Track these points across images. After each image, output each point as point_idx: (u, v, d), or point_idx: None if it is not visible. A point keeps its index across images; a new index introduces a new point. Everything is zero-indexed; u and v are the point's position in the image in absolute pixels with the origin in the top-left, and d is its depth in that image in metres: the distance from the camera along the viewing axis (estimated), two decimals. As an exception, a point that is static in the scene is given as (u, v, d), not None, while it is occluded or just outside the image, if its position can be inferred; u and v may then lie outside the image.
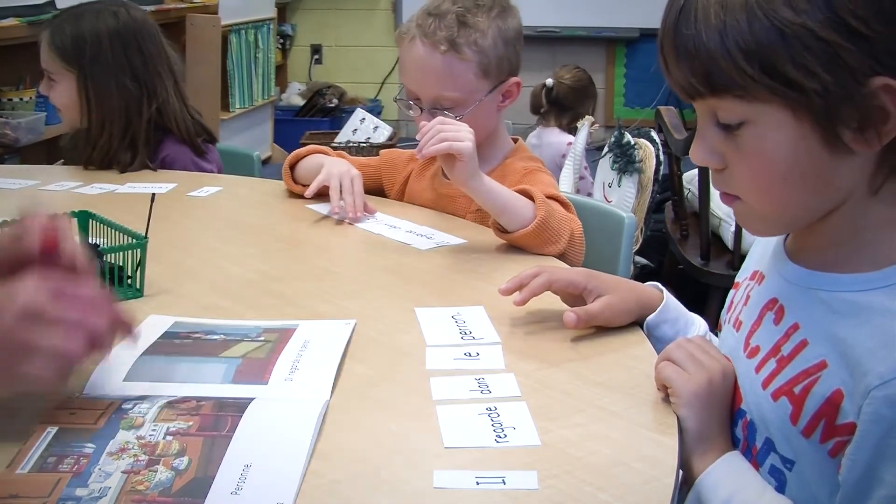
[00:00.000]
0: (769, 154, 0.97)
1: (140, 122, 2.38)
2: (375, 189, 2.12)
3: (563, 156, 4.02)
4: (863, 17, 0.89)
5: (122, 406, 1.05)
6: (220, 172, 2.49)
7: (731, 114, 0.98)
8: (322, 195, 2.00)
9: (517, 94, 1.91)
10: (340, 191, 1.91)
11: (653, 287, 1.36)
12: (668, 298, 1.33)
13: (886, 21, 0.90)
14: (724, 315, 1.25)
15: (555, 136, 4.27)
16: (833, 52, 0.90)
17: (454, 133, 1.58)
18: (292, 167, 2.07)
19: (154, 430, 1.00)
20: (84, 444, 0.97)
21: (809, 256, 1.07)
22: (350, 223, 1.87)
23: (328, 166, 1.98)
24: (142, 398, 1.07)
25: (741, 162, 1.00)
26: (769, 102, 0.94)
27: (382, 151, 2.17)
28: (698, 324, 1.35)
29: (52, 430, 0.99)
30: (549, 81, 4.35)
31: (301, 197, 2.05)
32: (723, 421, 1.11)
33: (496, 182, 1.64)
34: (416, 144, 2.06)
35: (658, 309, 1.32)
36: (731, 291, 1.25)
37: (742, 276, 1.23)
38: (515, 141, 1.98)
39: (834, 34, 0.90)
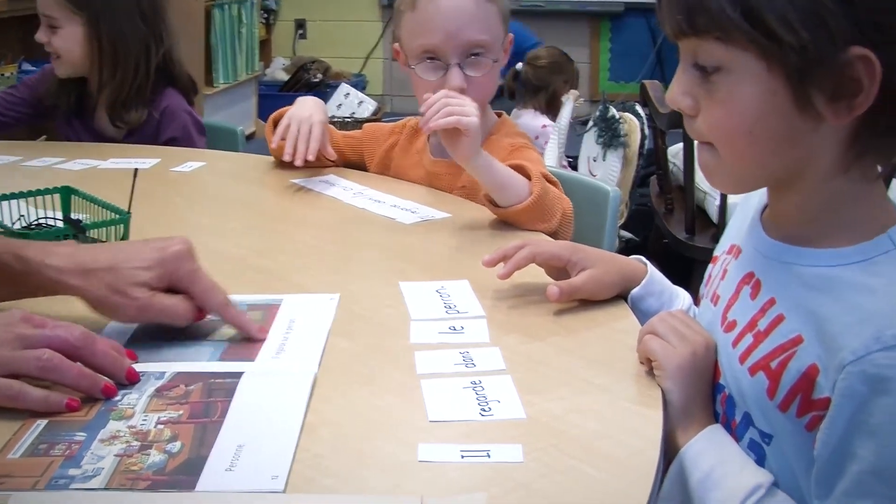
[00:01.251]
0: (738, 104, 0.98)
1: (149, 68, 2.40)
2: (358, 162, 2.12)
3: (537, 137, 4.02)
4: None
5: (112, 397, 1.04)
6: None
7: (709, 56, 0.98)
8: (309, 167, 2.00)
9: (508, 55, 1.89)
10: (297, 137, 1.94)
11: (637, 260, 1.36)
12: (653, 272, 1.33)
13: None
14: (702, 289, 1.25)
15: (529, 119, 4.27)
16: (816, 11, 0.89)
17: (460, 108, 1.57)
18: (276, 122, 2.06)
19: (145, 420, 0.99)
20: (75, 434, 0.96)
21: (784, 230, 1.07)
22: (331, 195, 1.86)
23: (292, 110, 1.99)
24: (129, 389, 1.06)
25: (712, 108, 1.00)
26: (746, 50, 0.94)
27: (365, 125, 2.17)
28: (683, 297, 1.35)
29: (42, 422, 0.98)
30: (519, 66, 4.36)
31: (286, 167, 2.04)
32: (705, 394, 1.12)
33: (494, 158, 1.64)
34: (400, 118, 2.06)
35: (643, 282, 1.32)
36: (710, 266, 1.25)
37: (720, 249, 1.23)
38: (499, 115, 1.98)
39: None
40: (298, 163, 1.94)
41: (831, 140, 0.97)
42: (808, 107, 0.94)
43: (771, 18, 0.91)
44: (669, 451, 1.08)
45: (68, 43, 2.37)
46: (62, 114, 2.54)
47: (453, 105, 1.57)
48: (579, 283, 1.29)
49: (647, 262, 1.35)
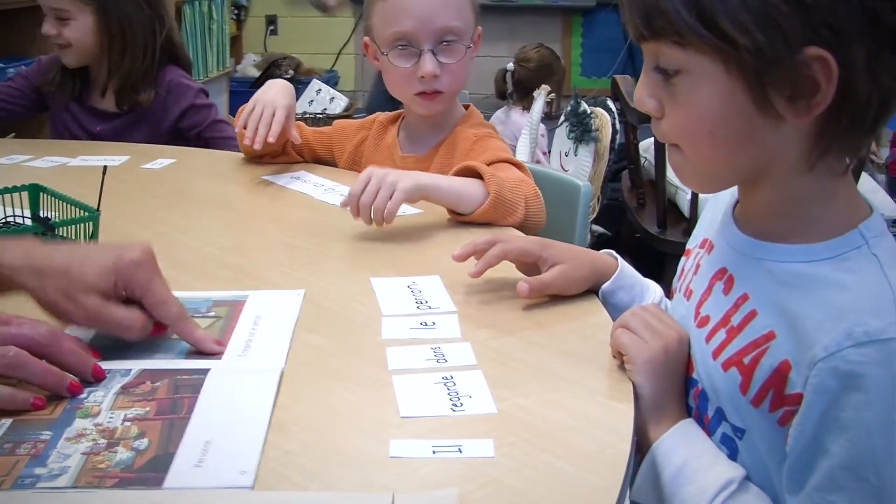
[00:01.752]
0: (699, 106, 0.98)
1: (155, 50, 2.50)
2: (328, 158, 2.12)
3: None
4: None
5: (77, 395, 1.03)
6: None
7: (669, 60, 0.99)
8: (278, 161, 2.00)
9: (478, 48, 1.90)
10: (259, 121, 1.93)
11: (607, 255, 1.36)
12: (623, 266, 1.34)
13: None
14: (675, 283, 1.25)
15: (518, 116, 4.29)
16: (769, 14, 0.90)
17: (381, 202, 1.55)
18: None
19: (111, 417, 0.99)
20: (41, 432, 0.95)
21: (756, 226, 1.07)
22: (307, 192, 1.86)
23: (258, 93, 1.99)
24: (95, 386, 1.05)
25: (674, 110, 1.01)
26: (704, 53, 0.95)
27: (335, 122, 2.16)
28: (654, 290, 1.36)
29: (7, 421, 0.97)
30: (510, 66, 4.36)
31: (256, 162, 2.04)
32: (678, 389, 1.12)
33: (441, 177, 1.64)
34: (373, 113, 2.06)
35: (613, 276, 1.32)
36: (682, 259, 1.25)
37: (692, 243, 1.24)
38: (467, 108, 1.98)
39: None
40: (257, 146, 1.93)
41: (794, 138, 0.98)
42: (768, 107, 0.95)
43: (725, 22, 0.91)
44: (642, 445, 1.09)
45: (79, 33, 2.45)
46: (60, 101, 2.59)
47: (377, 202, 1.56)
48: (549, 279, 1.29)
49: (618, 256, 1.36)
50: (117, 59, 2.48)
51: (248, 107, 1.97)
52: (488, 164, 1.68)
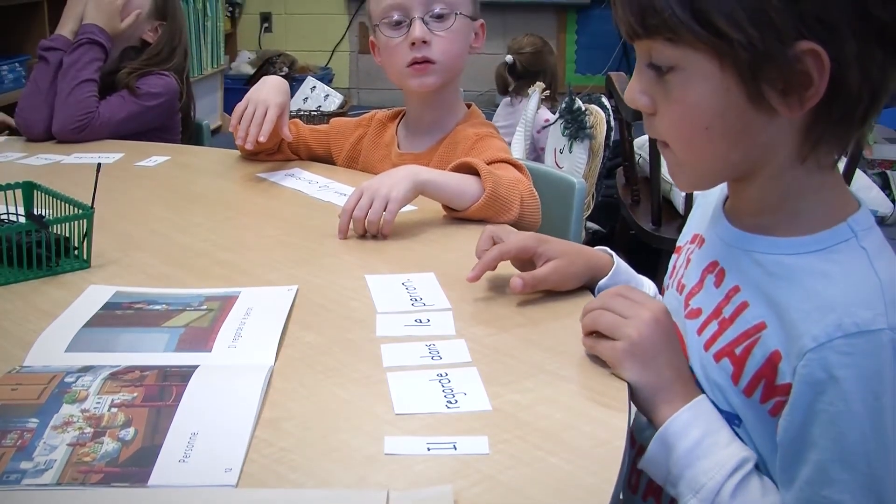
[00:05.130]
0: (693, 102, 0.99)
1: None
2: (325, 156, 2.12)
3: (539, 131, 4.02)
4: None
5: (65, 379, 1.03)
6: None
7: (662, 57, 0.99)
8: (274, 159, 1.99)
9: (482, 41, 1.93)
10: (251, 120, 1.93)
11: (603, 251, 1.36)
12: (619, 262, 1.34)
13: None
14: (666, 280, 1.25)
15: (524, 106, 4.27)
16: (762, 9, 0.90)
17: (374, 214, 1.57)
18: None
19: (98, 402, 0.99)
20: (27, 420, 0.96)
21: (746, 219, 1.08)
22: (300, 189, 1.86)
23: (251, 92, 1.98)
24: (85, 370, 1.05)
25: (668, 107, 1.01)
26: (697, 50, 0.95)
27: (332, 120, 2.17)
28: (647, 285, 1.36)
29: (-7, 405, 0.98)
30: (509, 58, 4.35)
31: (251, 160, 2.04)
32: (680, 362, 1.10)
33: (438, 172, 1.65)
34: (367, 111, 2.06)
35: (609, 273, 1.32)
36: (674, 256, 1.25)
37: (683, 240, 1.24)
38: (469, 106, 1.99)
39: None
40: (249, 146, 1.93)
41: (787, 132, 0.98)
42: (762, 101, 0.95)
43: (719, 18, 0.92)
44: (654, 422, 1.08)
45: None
46: None
47: (372, 214, 1.57)
48: (543, 274, 1.29)
49: (613, 253, 1.36)
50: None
51: (241, 105, 1.97)
52: (488, 164, 1.69)
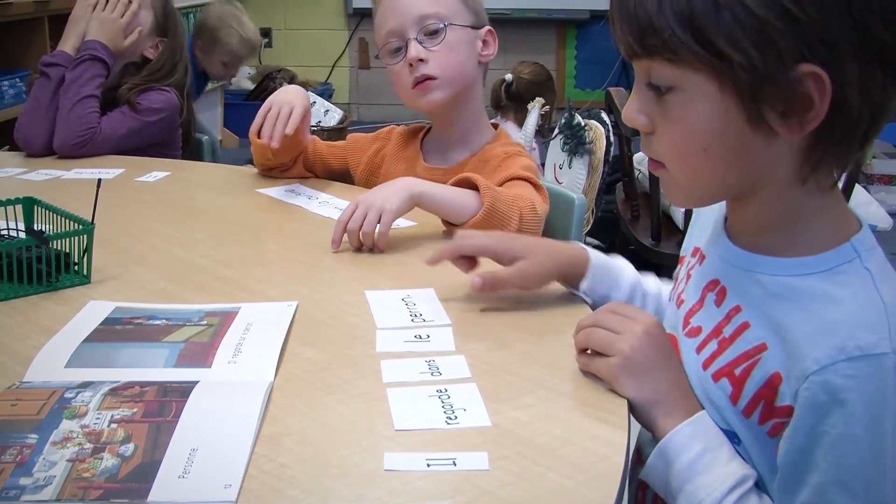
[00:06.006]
0: (692, 123, 0.98)
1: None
2: (342, 172, 2.11)
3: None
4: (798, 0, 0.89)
5: (65, 395, 1.03)
6: None
7: (662, 77, 0.98)
8: (287, 176, 2.00)
9: (494, 47, 1.94)
10: (276, 119, 1.92)
11: (576, 246, 1.35)
12: (594, 259, 1.32)
13: (820, 7, 0.89)
14: (671, 293, 1.25)
15: (511, 129, 4.27)
16: (763, 30, 0.90)
17: (369, 226, 1.58)
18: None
19: (98, 418, 0.99)
20: (27, 435, 0.96)
21: (747, 239, 1.07)
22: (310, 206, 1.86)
23: (273, 95, 1.98)
24: (84, 386, 1.05)
25: (666, 127, 1.01)
26: (698, 70, 0.95)
27: (349, 136, 2.15)
28: (625, 268, 1.35)
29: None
30: (509, 77, 4.36)
31: (266, 176, 2.04)
32: (678, 374, 1.10)
33: (435, 185, 1.65)
34: (368, 125, 2.06)
35: (587, 274, 1.31)
36: (678, 267, 1.25)
37: (686, 251, 1.24)
38: (496, 127, 1.99)
39: (767, 12, 0.89)
40: (275, 143, 1.90)
41: (786, 153, 0.98)
42: (761, 123, 0.95)
43: (720, 39, 0.91)
44: (654, 434, 1.07)
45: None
46: None
47: (366, 226, 1.58)
48: (505, 275, 1.30)
49: (586, 247, 1.35)
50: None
51: (262, 109, 1.95)
52: (508, 180, 1.70)
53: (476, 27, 1.91)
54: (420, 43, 1.84)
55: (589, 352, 1.13)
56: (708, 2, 0.91)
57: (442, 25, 1.84)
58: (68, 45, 2.48)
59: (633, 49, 0.99)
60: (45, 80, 2.43)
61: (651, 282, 1.37)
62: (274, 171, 2.09)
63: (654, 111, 1.01)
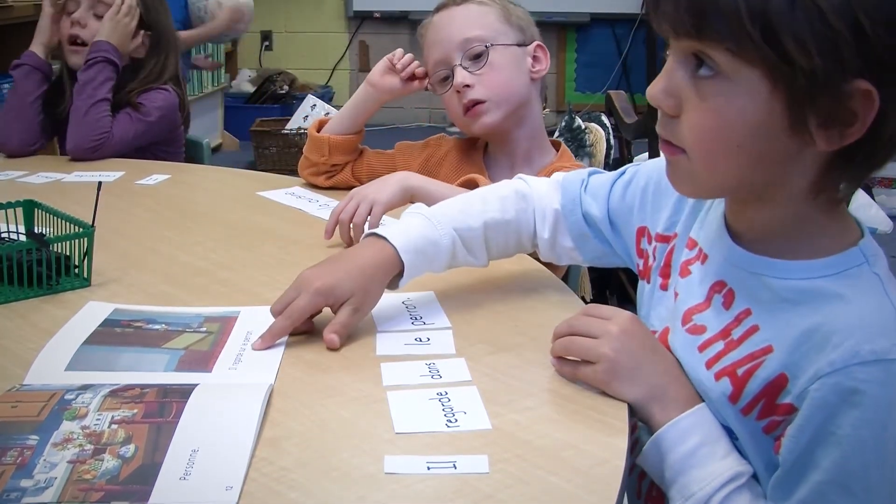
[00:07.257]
0: (730, 117, 0.95)
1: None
2: None
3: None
4: (871, 15, 0.88)
5: (65, 396, 1.03)
6: None
7: (712, 62, 0.95)
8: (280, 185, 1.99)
9: (546, 62, 1.93)
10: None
11: (376, 240, 1.29)
12: (403, 252, 1.27)
13: (889, 28, 0.89)
14: (638, 262, 1.25)
15: None
16: (833, 39, 0.88)
17: (360, 217, 1.59)
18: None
19: (99, 419, 0.99)
20: (27, 437, 0.95)
21: (753, 241, 1.07)
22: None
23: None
24: (84, 387, 1.05)
25: (699, 114, 0.98)
26: (754, 66, 0.92)
27: (397, 143, 2.11)
28: (439, 240, 1.31)
29: (-6, 423, 0.98)
30: None
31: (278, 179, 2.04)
32: (664, 366, 1.10)
33: (433, 182, 1.67)
34: (370, 129, 2.05)
35: (405, 274, 1.28)
36: (643, 240, 1.25)
37: (667, 230, 1.22)
38: (558, 147, 1.97)
39: (840, 22, 0.88)
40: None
41: (810, 165, 0.97)
42: (801, 130, 0.93)
43: (788, 39, 0.89)
44: (652, 428, 1.07)
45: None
46: None
47: (358, 218, 1.60)
48: (345, 320, 1.23)
49: (385, 235, 1.28)
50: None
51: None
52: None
53: (523, 44, 1.89)
54: (465, 69, 1.84)
55: (572, 362, 1.13)
56: (785, 1, 0.89)
57: (485, 47, 1.84)
58: (37, 43, 2.49)
59: (685, 28, 0.95)
60: (16, 80, 2.47)
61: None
62: (320, 178, 2.04)
63: (688, 95, 0.98)
